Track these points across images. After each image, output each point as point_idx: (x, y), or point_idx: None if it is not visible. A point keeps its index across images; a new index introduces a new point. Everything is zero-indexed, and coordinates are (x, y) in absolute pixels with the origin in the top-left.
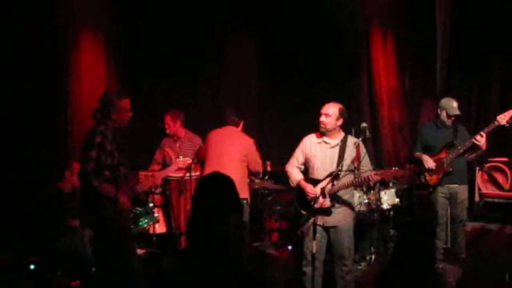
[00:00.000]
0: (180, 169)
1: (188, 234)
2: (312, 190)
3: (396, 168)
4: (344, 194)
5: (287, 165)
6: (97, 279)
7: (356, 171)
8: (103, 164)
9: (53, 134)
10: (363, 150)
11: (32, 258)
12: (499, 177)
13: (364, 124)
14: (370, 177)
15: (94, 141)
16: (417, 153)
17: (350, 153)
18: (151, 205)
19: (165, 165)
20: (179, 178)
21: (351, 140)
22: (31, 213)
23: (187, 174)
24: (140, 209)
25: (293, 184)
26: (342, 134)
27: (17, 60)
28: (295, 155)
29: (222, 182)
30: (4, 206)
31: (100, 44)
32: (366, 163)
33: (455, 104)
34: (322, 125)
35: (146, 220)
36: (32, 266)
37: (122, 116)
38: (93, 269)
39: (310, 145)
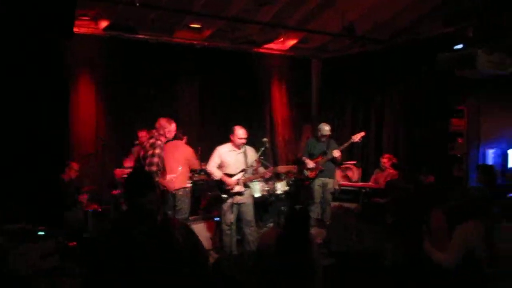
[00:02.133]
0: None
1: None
2: (231, 181)
3: (280, 166)
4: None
5: (208, 167)
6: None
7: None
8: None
9: (59, 145)
10: (258, 155)
11: (41, 227)
12: (349, 173)
13: (265, 139)
14: (264, 173)
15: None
16: (304, 157)
17: (251, 157)
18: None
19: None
20: None
21: (249, 148)
22: (44, 194)
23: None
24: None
25: (217, 178)
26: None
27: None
28: (213, 159)
29: (140, 174)
30: (24, 189)
31: (92, 82)
32: (259, 164)
33: (327, 127)
34: (242, 144)
35: None
36: (40, 233)
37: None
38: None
39: (224, 152)
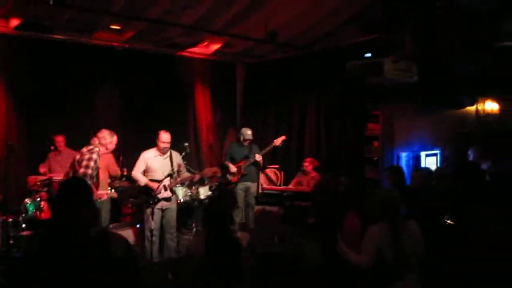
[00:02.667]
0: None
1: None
2: (158, 187)
3: (206, 169)
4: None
5: (133, 173)
6: None
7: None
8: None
9: None
10: (182, 160)
11: None
12: (273, 177)
13: (186, 144)
14: (192, 176)
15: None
16: (226, 162)
17: (176, 161)
18: (38, 199)
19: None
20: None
21: (174, 153)
22: None
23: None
24: (29, 201)
25: (142, 184)
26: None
27: None
28: (139, 165)
29: (76, 184)
30: None
31: (1, 84)
32: (184, 169)
33: (249, 132)
34: (166, 148)
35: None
36: None
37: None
38: None
39: (150, 158)
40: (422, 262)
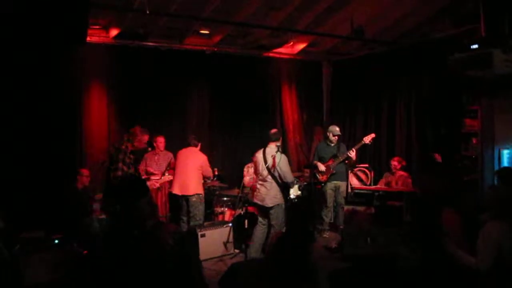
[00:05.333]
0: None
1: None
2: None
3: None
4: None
5: None
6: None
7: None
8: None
9: (71, 153)
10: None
11: (57, 235)
12: (363, 176)
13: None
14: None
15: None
16: (315, 161)
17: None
18: None
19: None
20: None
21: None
22: (58, 204)
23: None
24: None
25: None
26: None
27: (46, 101)
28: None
29: (132, 180)
30: (39, 198)
31: (103, 89)
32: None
33: (337, 128)
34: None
35: None
36: (56, 241)
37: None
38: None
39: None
40: None
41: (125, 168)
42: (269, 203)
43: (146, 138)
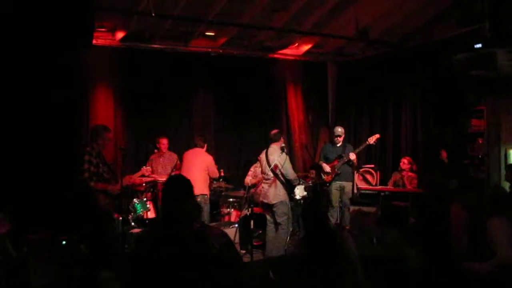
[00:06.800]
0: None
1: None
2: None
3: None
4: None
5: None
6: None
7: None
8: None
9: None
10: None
11: (64, 236)
12: (369, 177)
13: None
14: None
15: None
16: (320, 162)
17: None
18: (145, 199)
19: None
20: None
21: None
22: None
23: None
24: (137, 201)
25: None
26: None
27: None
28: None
29: (180, 181)
30: (47, 199)
31: (110, 92)
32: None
33: (339, 129)
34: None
35: (141, 209)
36: (63, 242)
37: (104, 142)
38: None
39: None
40: None
41: (92, 169)
42: (272, 200)
43: (110, 135)
